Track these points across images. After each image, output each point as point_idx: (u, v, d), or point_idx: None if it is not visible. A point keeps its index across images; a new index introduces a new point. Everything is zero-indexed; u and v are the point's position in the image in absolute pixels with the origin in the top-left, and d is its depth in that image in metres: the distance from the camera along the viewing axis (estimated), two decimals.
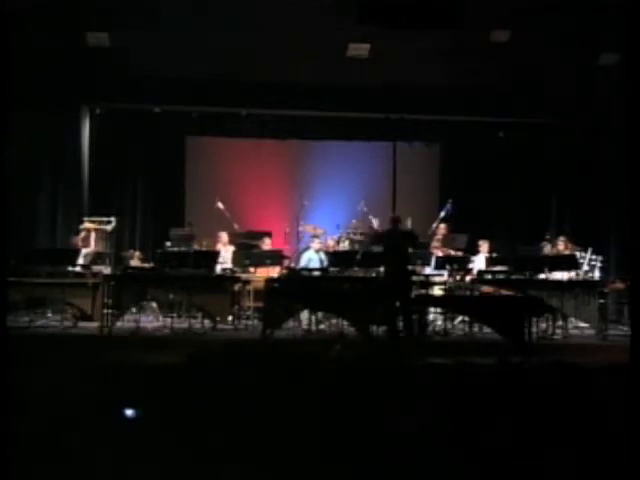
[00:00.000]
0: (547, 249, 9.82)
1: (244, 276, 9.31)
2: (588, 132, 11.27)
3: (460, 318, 9.41)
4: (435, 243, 10.23)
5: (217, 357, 4.83)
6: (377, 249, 9.86)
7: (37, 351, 6.61)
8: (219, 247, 9.96)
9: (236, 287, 9.13)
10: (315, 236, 10.20)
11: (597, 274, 9.39)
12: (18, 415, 3.56)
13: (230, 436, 3.60)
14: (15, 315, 8.57)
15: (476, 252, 10.10)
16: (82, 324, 8.95)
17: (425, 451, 3.55)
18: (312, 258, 9.88)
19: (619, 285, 9.28)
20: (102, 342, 8.17)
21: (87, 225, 9.74)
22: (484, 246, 10.18)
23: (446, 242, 10.02)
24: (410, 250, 8.64)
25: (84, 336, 8.47)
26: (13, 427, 3.45)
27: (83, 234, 9.77)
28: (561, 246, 9.74)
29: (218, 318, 8.99)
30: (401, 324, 8.28)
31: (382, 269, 8.69)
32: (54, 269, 8.96)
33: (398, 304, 8.29)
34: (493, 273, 9.34)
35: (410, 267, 8.67)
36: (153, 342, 8.18)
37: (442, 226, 10.41)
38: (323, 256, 9.88)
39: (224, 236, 10.11)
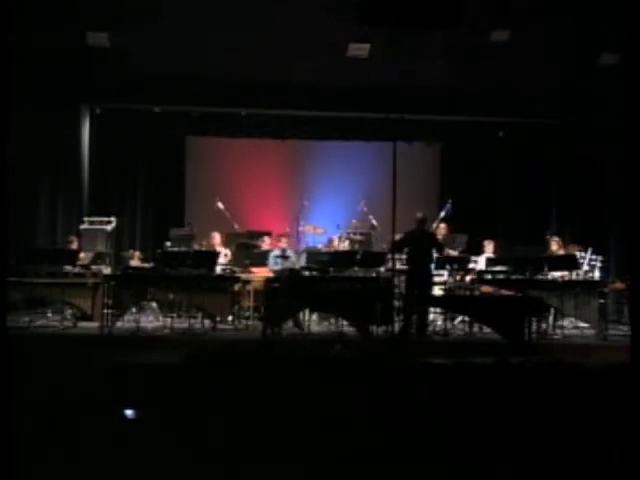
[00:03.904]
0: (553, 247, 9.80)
1: (244, 276, 9.31)
2: (588, 132, 11.27)
3: (460, 318, 9.41)
4: None
5: (217, 357, 4.84)
6: (378, 249, 9.91)
7: (37, 351, 6.60)
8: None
9: (236, 287, 9.13)
10: (282, 235, 10.14)
11: (597, 274, 9.39)
12: (18, 415, 3.56)
13: (230, 436, 3.60)
14: (15, 315, 8.56)
15: (480, 252, 10.11)
16: (82, 324, 8.95)
17: (426, 451, 3.55)
18: (278, 261, 9.69)
19: (619, 285, 9.27)
20: (102, 342, 8.16)
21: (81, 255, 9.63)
22: (489, 246, 10.20)
23: (446, 242, 10.02)
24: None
25: (84, 336, 8.47)
26: (13, 427, 3.45)
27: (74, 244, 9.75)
28: (554, 246, 9.75)
29: (218, 318, 8.99)
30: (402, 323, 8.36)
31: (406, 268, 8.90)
32: (54, 269, 8.96)
33: (412, 303, 8.49)
34: (493, 273, 9.34)
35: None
36: (153, 342, 8.18)
37: (442, 226, 10.42)
38: (290, 253, 9.81)
39: (217, 236, 10.06)
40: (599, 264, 9.43)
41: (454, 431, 3.71)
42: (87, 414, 3.72)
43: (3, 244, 4.59)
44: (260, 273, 9.40)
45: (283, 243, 9.94)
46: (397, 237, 8.56)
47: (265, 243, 10.11)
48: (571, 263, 9.18)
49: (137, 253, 10.24)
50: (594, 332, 8.86)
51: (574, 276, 9.18)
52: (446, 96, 10.93)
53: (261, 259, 9.71)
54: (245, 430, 3.64)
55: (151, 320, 9.45)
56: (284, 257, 9.65)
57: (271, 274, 9.26)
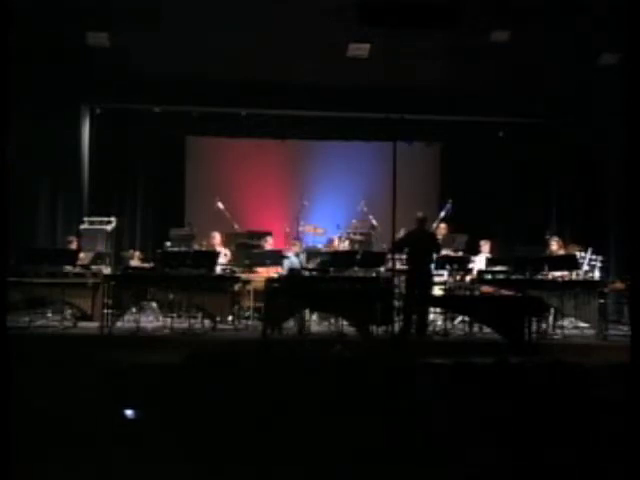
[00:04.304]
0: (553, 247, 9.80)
1: (244, 276, 9.31)
2: (588, 132, 11.27)
3: (460, 318, 9.41)
4: None
5: (217, 357, 4.84)
6: (378, 249, 9.92)
7: (37, 351, 6.61)
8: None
9: (236, 287, 9.13)
10: (296, 238, 10.18)
11: (597, 274, 9.39)
12: (18, 415, 3.56)
13: (230, 436, 3.60)
14: (15, 315, 8.56)
15: (477, 252, 10.12)
16: (82, 324, 8.95)
17: (426, 451, 3.55)
18: (293, 262, 9.73)
19: (619, 285, 9.27)
20: (102, 342, 8.16)
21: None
22: (485, 246, 10.22)
23: (446, 242, 10.02)
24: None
25: (84, 336, 8.47)
26: (13, 427, 3.45)
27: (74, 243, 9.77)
28: (554, 246, 9.75)
29: (218, 318, 8.98)
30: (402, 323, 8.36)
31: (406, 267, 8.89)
32: (54, 269, 8.96)
33: (412, 303, 8.50)
34: (493, 273, 9.34)
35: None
36: (153, 342, 8.18)
37: (442, 226, 10.42)
38: (303, 258, 9.85)
39: (217, 236, 10.06)
40: (599, 264, 9.43)
41: (454, 431, 3.71)
42: (87, 414, 3.72)
43: (3, 244, 4.59)
44: (267, 274, 9.37)
45: (297, 247, 10.00)
46: (397, 235, 8.56)
47: (268, 243, 10.11)
48: (571, 263, 9.18)
49: (137, 253, 10.24)
50: (594, 332, 8.86)
51: (574, 276, 9.18)
52: (446, 96, 10.93)
53: (261, 259, 9.70)
54: (245, 430, 3.64)
55: (151, 320, 9.46)
56: (296, 258, 9.72)
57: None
